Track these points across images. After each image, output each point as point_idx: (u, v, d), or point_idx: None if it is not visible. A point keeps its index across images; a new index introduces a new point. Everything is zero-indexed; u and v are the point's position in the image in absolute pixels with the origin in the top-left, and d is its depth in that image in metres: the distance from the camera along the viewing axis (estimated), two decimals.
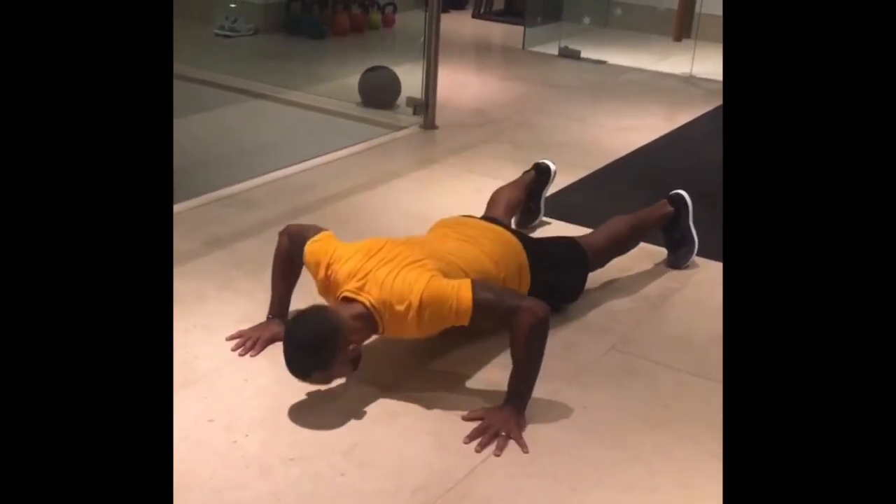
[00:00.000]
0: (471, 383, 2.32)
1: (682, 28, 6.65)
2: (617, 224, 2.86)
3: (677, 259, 3.03)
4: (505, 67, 6.13)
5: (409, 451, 2.05)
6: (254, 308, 2.57)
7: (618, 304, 2.78)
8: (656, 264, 3.05)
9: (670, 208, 3.00)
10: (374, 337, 2.23)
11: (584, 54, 6.23)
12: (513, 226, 2.95)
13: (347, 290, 2.19)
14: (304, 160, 3.88)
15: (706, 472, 2.02)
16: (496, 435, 2.09)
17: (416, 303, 2.12)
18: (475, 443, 2.08)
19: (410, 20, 6.77)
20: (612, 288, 2.87)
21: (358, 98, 4.77)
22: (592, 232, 2.82)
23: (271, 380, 2.31)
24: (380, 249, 2.26)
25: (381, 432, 2.12)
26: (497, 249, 2.46)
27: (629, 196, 3.51)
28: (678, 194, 3.02)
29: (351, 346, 2.12)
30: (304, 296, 2.50)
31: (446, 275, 2.20)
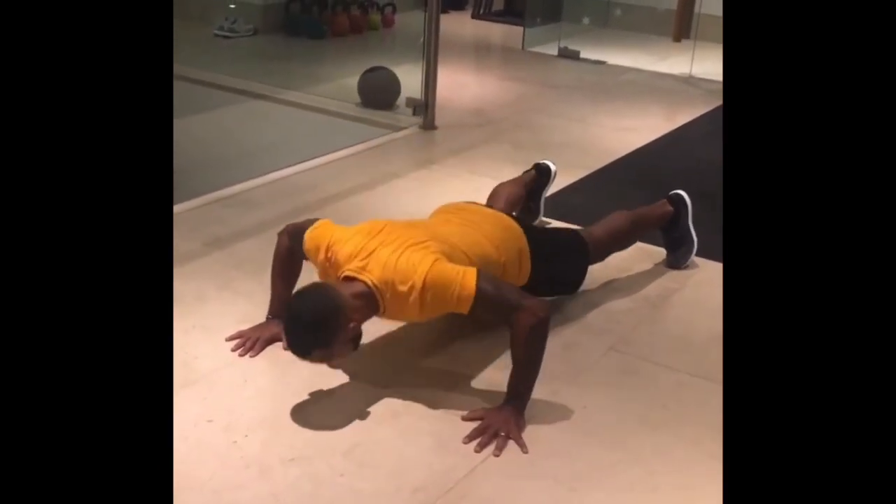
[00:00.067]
0: (471, 384, 2.32)
1: (682, 28, 6.66)
2: (618, 218, 2.87)
3: (676, 259, 3.03)
4: (504, 68, 6.13)
5: (409, 452, 2.05)
6: (253, 308, 2.57)
7: (617, 305, 2.78)
8: (656, 265, 3.05)
9: (670, 208, 3.00)
10: (374, 318, 2.22)
11: (583, 55, 6.23)
12: None
13: (349, 269, 2.18)
14: (304, 161, 3.88)
15: (706, 473, 2.02)
16: (496, 435, 2.09)
17: (419, 284, 2.10)
18: (475, 443, 2.08)
19: (410, 21, 6.77)
20: (612, 288, 2.88)
21: (357, 98, 4.78)
22: (593, 225, 2.82)
23: (271, 380, 2.31)
24: (381, 230, 2.26)
25: (380, 432, 2.12)
26: (498, 234, 2.46)
27: (629, 196, 3.50)
28: (678, 194, 3.02)
29: (352, 325, 2.10)
30: None
31: (449, 258, 2.19)
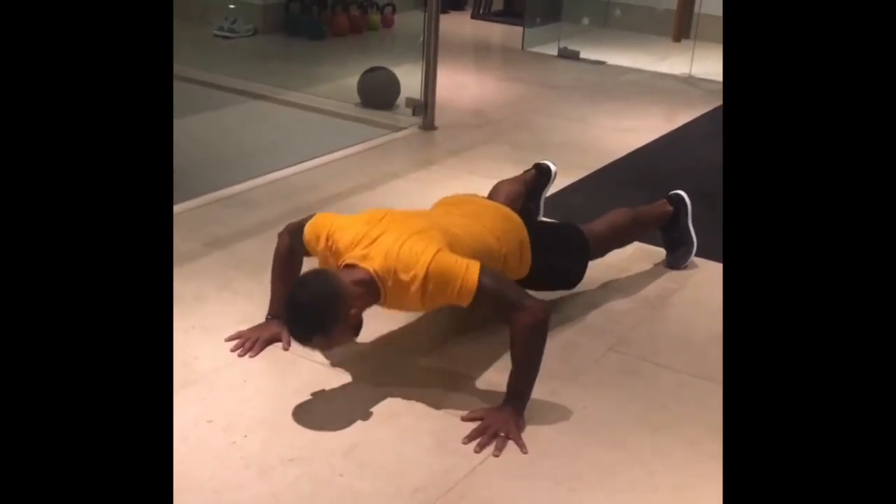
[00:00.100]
0: (470, 384, 2.32)
1: (682, 28, 6.66)
2: (618, 215, 2.87)
3: (676, 259, 3.03)
4: (504, 68, 6.13)
5: (409, 452, 2.05)
6: (253, 309, 2.57)
7: (617, 305, 2.78)
8: (655, 265, 3.05)
9: (670, 208, 3.00)
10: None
11: (583, 55, 6.23)
12: None
13: (351, 256, 2.16)
14: (304, 161, 3.88)
15: (705, 473, 2.02)
16: (495, 435, 2.09)
17: (421, 274, 2.09)
18: (474, 443, 2.08)
19: (409, 21, 6.78)
20: (611, 289, 2.88)
21: (357, 99, 4.78)
22: (594, 221, 2.82)
23: (271, 380, 2.31)
24: (382, 218, 2.25)
25: (380, 433, 2.12)
26: (499, 225, 2.46)
27: (628, 197, 3.49)
28: (677, 194, 3.02)
29: (353, 311, 2.09)
30: None
31: (451, 248, 2.18)
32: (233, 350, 2.41)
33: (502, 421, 2.11)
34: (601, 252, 2.79)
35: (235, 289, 2.75)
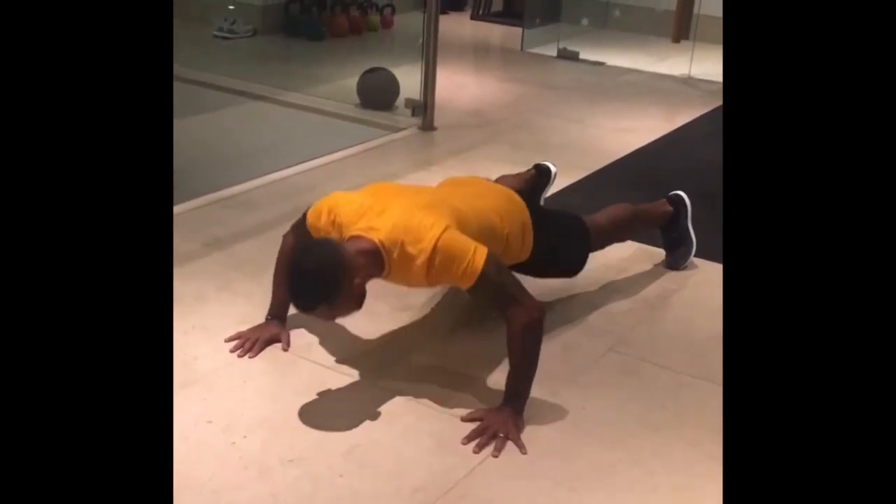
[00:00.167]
0: (470, 384, 2.32)
1: (681, 29, 6.65)
2: (619, 208, 2.87)
3: (675, 260, 3.03)
4: (503, 69, 6.13)
5: (408, 452, 2.05)
6: (253, 309, 2.57)
7: (616, 306, 2.78)
8: (655, 265, 3.05)
9: (669, 208, 3.00)
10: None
11: (582, 55, 6.23)
12: None
13: (357, 228, 2.14)
14: (303, 161, 3.88)
15: (705, 474, 2.02)
16: (495, 436, 2.09)
17: (429, 248, 2.07)
18: (474, 444, 2.08)
19: (409, 21, 6.78)
20: (611, 289, 2.88)
21: (356, 99, 4.78)
22: (595, 213, 2.82)
23: (270, 381, 2.31)
24: (387, 192, 2.25)
25: (380, 433, 2.12)
26: (502, 205, 2.45)
27: (628, 197, 3.47)
28: (677, 195, 3.02)
29: (357, 281, 2.07)
30: None
31: (458, 226, 2.16)
32: (232, 350, 2.41)
33: (501, 421, 2.11)
34: (601, 244, 2.78)
35: (235, 289, 2.75)
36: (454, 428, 2.13)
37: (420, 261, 2.09)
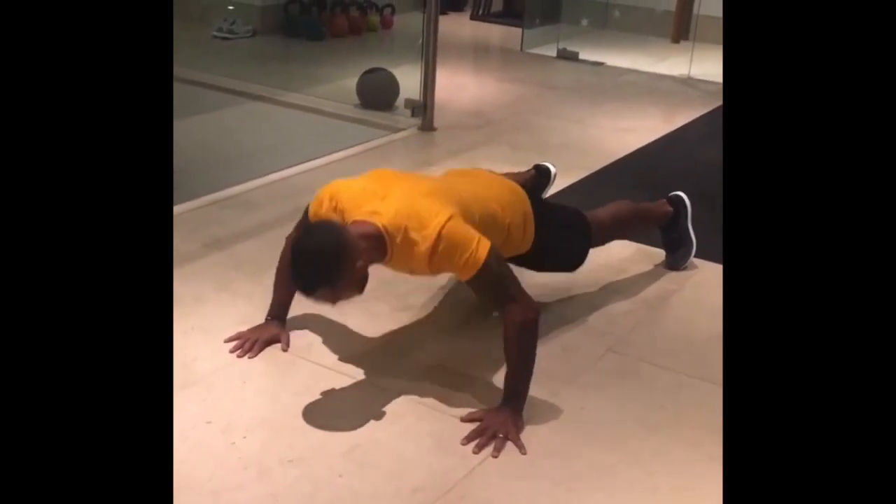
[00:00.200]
0: (470, 385, 2.32)
1: (680, 30, 6.65)
2: (620, 205, 2.88)
3: (675, 260, 3.03)
4: (503, 69, 6.13)
5: (408, 453, 2.05)
6: (252, 310, 2.57)
7: (616, 306, 2.78)
8: (655, 266, 3.05)
9: (670, 208, 3.00)
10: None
11: (582, 56, 6.24)
12: None
13: (360, 213, 2.13)
14: (303, 162, 3.88)
15: (704, 474, 2.02)
16: (494, 436, 2.09)
17: (433, 235, 2.07)
18: (473, 444, 2.08)
19: (409, 22, 6.78)
20: (610, 290, 2.88)
21: (356, 100, 4.78)
22: (596, 209, 2.82)
23: (270, 381, 2.31)
24: (389, 178, 2.24)
25: (379, 433, 2.12)
26: (504, 196, 2.44)
27: (627, 197, 3.50)
28: (677, 195, 3.03)
29: (359, 264, 2.05)
30: (308, 303, 2.50)
31: (462, 215, 2.15)
32: (232, 351, 2.41)
33: (501, 422, 2.11)
34: (601, 240, 2.78)
35: (235, 290, 2.75)
36: (454, 428, 2.13)
37: (424, 247, 2.08)
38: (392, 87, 4.75)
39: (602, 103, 5.16)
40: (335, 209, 2.20)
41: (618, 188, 3.78)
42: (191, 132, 4.02)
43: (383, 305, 2.70)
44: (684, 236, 3.01)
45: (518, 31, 6.68)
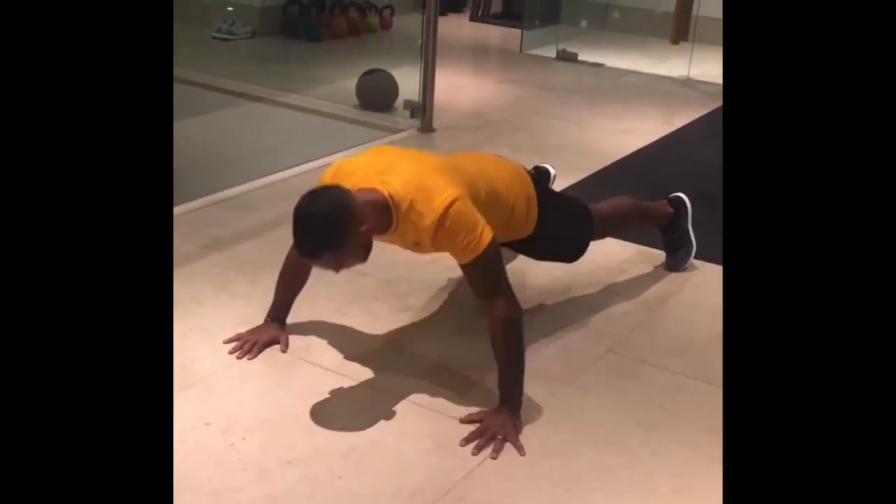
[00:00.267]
0: (469, 386, 2.32)
1: (680, 31, 6.66)
2: (622, 200, 2.89)
3: (675, 262, 3.03)
4: (502, 70, 6.13)
5: (407, 454, 2.05)
6: (252, 311, 2.57)
7: (615, 307, 2.78)
8: (655, 267, 3.05)
9: (670, 209, 3.00)
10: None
11: (581, 57, 6.24)
12: None
13: (366, 182, 2.09)
14: (302, 163, 3.88)
15: (704, 475, 2.02)
16: (493, 438, 2.09)
17: (440, 209, 2.04)
18: (472, 445, 2.08)
19: (408, 23, 6.78)
20: (610, 291, 2.88)
21: (355, 101, 4.78)
22: (598, 202, 2.81)
23: (269, 383, 2.31)
24: (395, 152, 2.23)
25: (379, 435, 2.12)
26: (507, 177, 2.43)
27: None
28: (678, 197, 3.03)
29: (364, 228, 2.01)
30: (308, 304, 2.50)
31: (470, 196, 2.13)
32: (231, 352, 2.41)
33: (500, 423, 2.11)
34: (600, 233, 2.78)
35: (234, 291, 2.75)
36: (453, 429, 2.13)
37: (429, 220, 2.05)
38: (391, 88, 4.75)
39: (601, 104, 5.16)
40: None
41: (617, 189, 3.76)
42: (190, 133, 4.02)
43: (383, 306, 2.70)
44: (684, 238, 3.01)
45: (517, 32, 6.68)
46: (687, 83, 5.80)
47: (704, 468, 2.04)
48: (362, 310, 2.67)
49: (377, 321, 2.61)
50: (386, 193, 2.07)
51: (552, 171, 3.28)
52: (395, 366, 2.41)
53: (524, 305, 2.74)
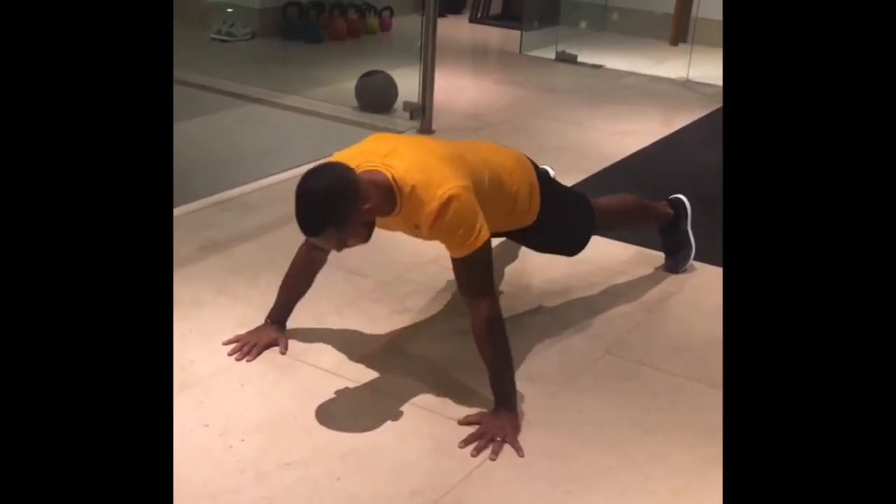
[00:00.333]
0: (468, 388, 2.32)
1: (679, 32, 6.66)
2: (623, 197, 2.90)
3: (675, 263, 3.03)
4: (502, 71, 6.14)
5: (406, 456, 2.05)
6: (251, 313, 2.57)
7: (614, 309, 2.78)
8: (654, 269, 3.05)
9: (670, 210, 3.01)
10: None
11: (580, 58, 6.24)
12: None
13: (369, 164, 2.08)
14: (301, 164, 3.86)
15: (702, 478, 2.02)
16: (492, 439, 2.09)
17: (444, 197, 2.03)
18: (471, 447, 2.08)
19: (407, 24, 6.78)
20: (609, 292, 2.88)
21: (355, 102, 4.78)
22: (599, 197, 2.81)
23: (268, 385, 2.31)
24: (391, 137, 2.22)
25: (377, 436, 2.12)
26: (510, 164, 2.43)
27: None
28: (678, 198, 3.03)
29: (367, 206, 1.99)
30: (307, 306, 2.50)
31: (473, 186, 2.12)
32: (230, 354, 2.41)
33: (498, 425, 2.11)
34: (601, 228, 2.78)
35: (233, 293, 2.75)
36: (452, 431, 2.13)
37: (431, 207, 2.04)
38: (390, 89, 4.75)
39: (600, 106, 5.17)
40: None
41: (616, 191, 3.76)
42: (189, 134, 4.02)
43: (382, 307, 2.70)
44: (684, 239, 3.01)
45: (517, 33, 6.68)
46: (686, 85, 5.80)
47: (703, 470, 2.04)
48: (361, 311, 2.67)
49: (376, 322, 2.61)
50: (389, 176, 2.06)
51: (552, 172, 3.28)
52: (393, 367, 2.41)
53: (523, 307, 2.75)
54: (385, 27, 7.04)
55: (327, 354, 2.43)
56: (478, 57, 6.82)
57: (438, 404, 2.24)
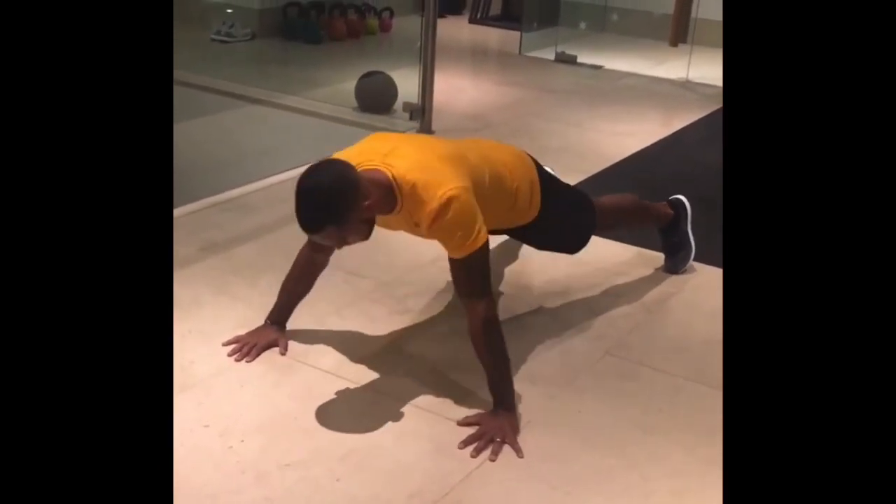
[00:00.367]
0: (467, 388, 2.32)
1: (679, 33, 6.66)
2: (623, 196, 2.90)
3: (675, 264, 3.03)
4: (501, 72, 6.14)
5: (406, 457, 2.05)
6: (251, 314, 2.57)
7: (614, 309, 2.78)
8: (654, 269, 3.05)
9: (670, 210, 3.01)
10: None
11: (580, 59, 6.24)
12: None
13: (370, 163, 2.08)
14: (301, 165, 3.84)
15: (702, 479, 2.02)
16: (491, 440, 2.09)
17: (444, 197, 2.03)
18: (471, 448, 2.08)
19: (407, 25, 6.78)
20: (609, 293, 2.88)
21: (354, 103, 4.78)
22: (600, 196, 2.82)
23: (267, 385, 2.31)
24: (391, 137, 2.21)
25: (377, 437, 2.12)
26: (510, 161, 2.43)
27: None
28: (678, 199, 3.03)
29: (367, 203, 1.99)
30: (306, 307, 2.50)
31: (473, 185, 2.12)
32: (230, 355, 2.41)
33: (498, 426, 2.11)
34: (601, 226, 2.78)
35: (233, 293, 2.75)
36: (451, 432, 2.13)
37: (431, 207, 2.04)
38: (390, 90, 4.75)
39: (600, 106, 5.17)
40: None
41: (616, 191, 3.77)
42: (189, 135, 4.02)
43: (381, 308, 2.70)
44: (684, 240, 3.01)
45: (516, 34, 6.69)
46: (686, 85, 5.80)
47: (703, 471, 2.04)
48: (361, 312, 2.67)
49: (376, 323, 2.61)
50: (390, 175, 2.06)
51: (552, 172, 3.28)
52: (393, 368, 2.41)
53: (523, 307, 2.76)
54: (385, 28, 7.04)
55: (327, 355, 2.43)
56: (477, 58, 6.83)
57: (438, 405, 2.24)
